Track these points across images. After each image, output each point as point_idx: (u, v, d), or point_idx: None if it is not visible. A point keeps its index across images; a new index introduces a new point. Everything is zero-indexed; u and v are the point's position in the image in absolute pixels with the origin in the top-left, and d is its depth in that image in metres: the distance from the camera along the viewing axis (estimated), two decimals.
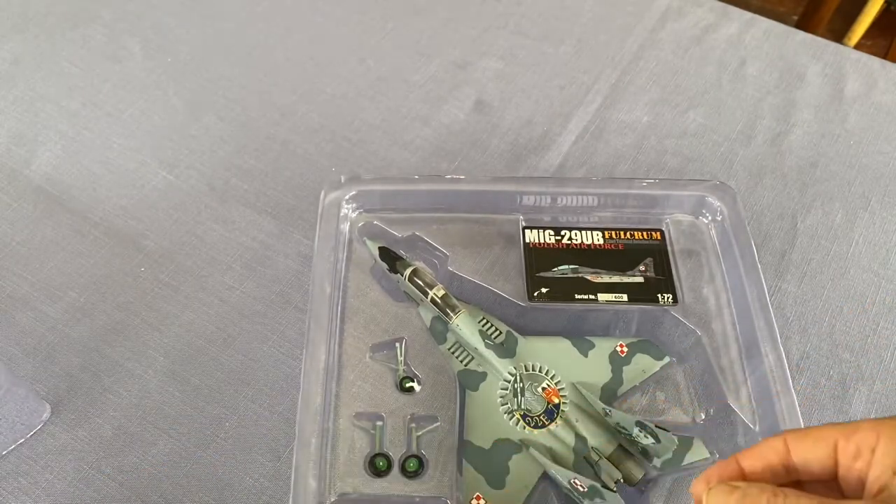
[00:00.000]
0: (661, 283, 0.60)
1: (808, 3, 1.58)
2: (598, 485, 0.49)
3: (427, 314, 0.60)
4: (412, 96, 0.79)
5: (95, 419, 0.59)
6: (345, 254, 0.62)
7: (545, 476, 0.54)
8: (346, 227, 0.63)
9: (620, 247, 0.62)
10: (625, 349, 0.59)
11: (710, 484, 0.37)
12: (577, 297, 0.60)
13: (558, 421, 0.55)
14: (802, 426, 0.52)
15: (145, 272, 0.66)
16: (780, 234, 0.70)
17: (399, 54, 0.82)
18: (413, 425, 0.55)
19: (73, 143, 0.74)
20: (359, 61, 0.81)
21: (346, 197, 0.63)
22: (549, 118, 0.77)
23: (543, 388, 0.56)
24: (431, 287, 0.58)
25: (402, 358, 0.58)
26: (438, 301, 0.58)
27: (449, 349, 0.58)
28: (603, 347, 0.59)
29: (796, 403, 0.53)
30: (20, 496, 0.55)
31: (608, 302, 0.59)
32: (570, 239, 0.62)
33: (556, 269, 0.61)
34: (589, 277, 0.60)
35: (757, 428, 0.54)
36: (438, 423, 0.55)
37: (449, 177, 0.71)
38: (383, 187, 0.64)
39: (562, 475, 0.52)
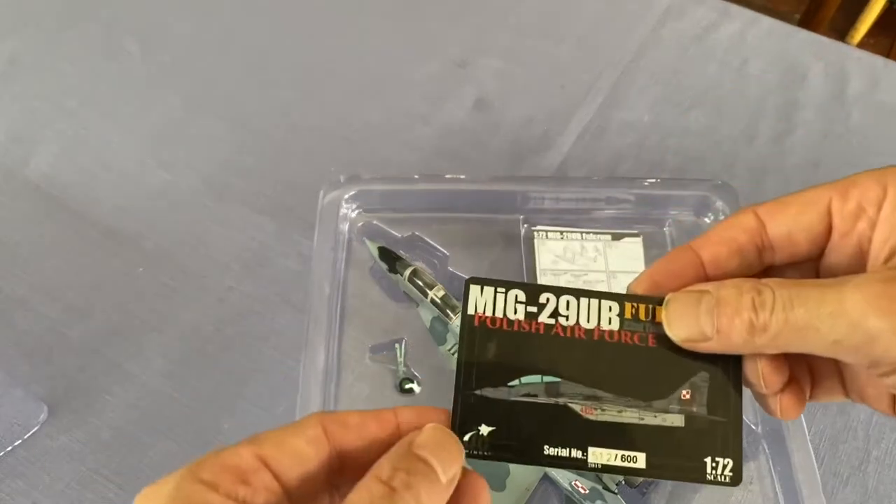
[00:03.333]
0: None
1: (811, 2, 1.57)
2: (599, 487, 0.49)
3: (427, 314, 0.59)
4: (412, 95, 0.78)
5: (93, 420, 0.58)
6: (344, 254, 0.62)
7: (546, 477, 0.54)
8: (345, 227, 0.63)
9: (651, 341, 0.31)
10: None
11: (668, 290, 0.29)
12: (546, 450, 0.30)
13: None
14: (804, 426, 0.51)
15: (143, 272, 0.66)
16: None
17: (399, 54, 0.82)
18: None
19: (71, 142, 0.74)
20: (359, 61, 0.81)
21: (346, 197, 0.62)
22: (549, 117, 0.77)
23: None
24: (431, 287, 0.58)
25: (402, 359, 0.58)
26: (438, 301, 0.57)
27: (449, 350, 0.58)
28: None
29: None
30: (17, 498, 0.55)
31: (604, 466, 0.31)
32: (555, 314, 0.31)
33: (513, 382, 0.31)
34: (578, 409, 0.30)
35: (759, 429, 0.54)
36: None
37: (449, 176, 0.70)
38: (383, 187, 0.63)
39: (563, 477, 0.51)
